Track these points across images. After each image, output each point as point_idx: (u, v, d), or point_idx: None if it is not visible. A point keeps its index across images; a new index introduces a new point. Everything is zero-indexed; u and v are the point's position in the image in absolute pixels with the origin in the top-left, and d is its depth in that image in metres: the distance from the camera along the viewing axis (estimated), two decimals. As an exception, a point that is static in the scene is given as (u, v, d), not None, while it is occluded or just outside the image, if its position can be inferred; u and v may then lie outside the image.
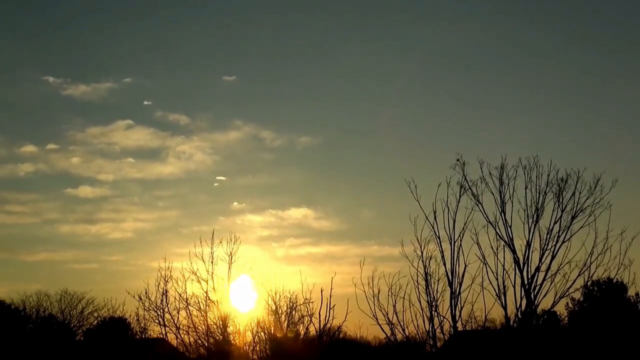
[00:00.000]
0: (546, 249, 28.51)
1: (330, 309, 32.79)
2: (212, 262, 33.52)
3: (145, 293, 33.73)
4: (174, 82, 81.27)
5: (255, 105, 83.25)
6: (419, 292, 28.87)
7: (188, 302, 33.66)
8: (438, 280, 28.72)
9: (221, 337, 34.28)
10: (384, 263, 29.62)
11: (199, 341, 34.35)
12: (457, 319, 28.55)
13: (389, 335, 29.57)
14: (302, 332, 35.53)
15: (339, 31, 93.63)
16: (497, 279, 28.35)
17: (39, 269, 79.39)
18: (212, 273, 33.45)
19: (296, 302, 34.81)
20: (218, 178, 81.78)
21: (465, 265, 28.52)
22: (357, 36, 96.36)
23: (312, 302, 34.04)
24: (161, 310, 33.63)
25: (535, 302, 28.64)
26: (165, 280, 33.49)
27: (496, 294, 28.31)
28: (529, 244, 28.56)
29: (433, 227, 28.74)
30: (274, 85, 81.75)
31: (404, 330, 29.08)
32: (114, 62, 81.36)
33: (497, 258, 28.47)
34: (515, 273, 28.55)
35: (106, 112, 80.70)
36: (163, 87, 79.30)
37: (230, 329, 34.77)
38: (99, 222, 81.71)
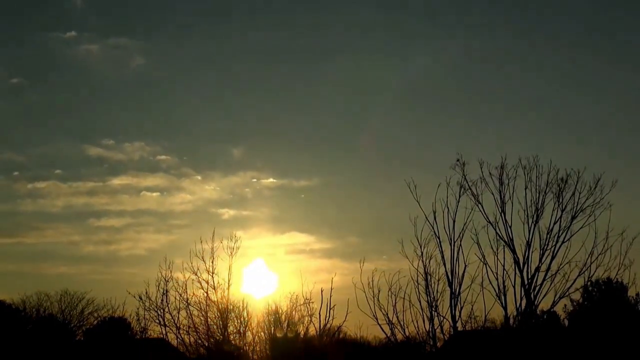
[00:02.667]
0: (546, 249, 28.56)
1: (330, 309, 32.84)
2: (212, 262, 33.59)
3: (146, 293, 33.74)
4: (189, 148, 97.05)
5: (257, 162, 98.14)
6: (419, 292, 28.96)
7: (188, 302, 33.70)
8: (438, 280, 28.81)
9: (221, 337, 34.28)
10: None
11: (199, 341, 34.34)
12: (457, 319, 28.63)
13: (389, 335, 29.64)
14: (302, 332, 35.53)
15: (327, 45, 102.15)
16: (497, 279, 28.47)
17: (57, 280, 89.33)
18: (213, 273, 33.52)
19: (296, 302, 34.88)
20: (224, 210, 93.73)
21: (465, 265, 28.63)
22: (348, 47, 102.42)
23: (312, 302, 34.11)
24: (161, 310, 33.63)
25: (535, 302, 28.67)
26: (165, 280, 33.53)
27: (496, 294, 28.38)
28: (529, 244, 28.61)
29: (433, 227, 28.85)
30: (273, 145, 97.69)
31: (404, 330, 29.16)
32: (141, 130, 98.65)
33: (497, 258, 28.57)
34: (515, 273, 28.62)
35: (131, 167, 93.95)
36: (180, 151, 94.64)
37: (230, 329, 34.79)
38: (116, 242, 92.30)
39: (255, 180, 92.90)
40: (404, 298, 28.81)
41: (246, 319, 35.30)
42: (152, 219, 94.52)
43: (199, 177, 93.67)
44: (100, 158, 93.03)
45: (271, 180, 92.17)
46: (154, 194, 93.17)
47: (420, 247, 28.80)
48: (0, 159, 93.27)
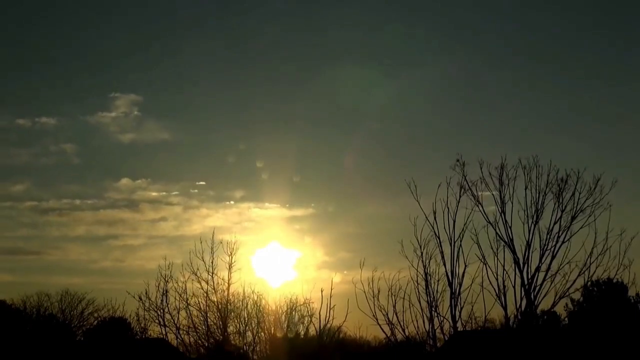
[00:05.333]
0: (546, 249, 28.50)
1: (330, 309, 32.89)
2: (212, 262, 33.64)
3: (146, 293, 33.84)
4: (197, 188, 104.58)
5: (257, 195, 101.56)
6: (418, 292, 28.90)
7: (188, 302, 33.74)
8: (438, 281, 28.76)
9: (221, 337, 34.30)
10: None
11: (199, 341, 34.39)
12: (457, 319, 28.57)
13: (389, 335, 29.59)
14: (302, 332, 35.57)
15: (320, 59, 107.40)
16: (497, 279, 28.39)
17: (67, 287, 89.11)
18: (213, 273, 33.55)
19: (296, 302, 34.92)
20: (229, 236, 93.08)
21: (465, 266, 28.56)
22: (346, 51, 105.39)
23: (312, 303, 34.16)
24: (161, 310, 33.71)
25: (535, 302, 28.63)
26: (165, 280, 33.59)
27: (496, 294, 28.33)
28: (529, 244, 28.56)
29: (433, 228, 28.80)
30: (271, 178, 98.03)
31: (404, 331, 29.10)
32: (156, 176, 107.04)
33: (497, 258, 28.51)
34: (515, 273, 28.55)
35: (146, 201, 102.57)
36: (188, 191, 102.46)
37: (230, 329, 34.84)
38: (129, 260, 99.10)
39: (254, 210, 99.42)
40: (403, 298, 28.80)
41: (246, 318, 35.39)
42: (165, 240, 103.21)
43: (206, 210, 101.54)
44: (120, 199, 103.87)
45: (270, 210, 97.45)
46: (168, 222, 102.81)
47: (420, 247, 28.77)
48: (33, 195, 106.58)
